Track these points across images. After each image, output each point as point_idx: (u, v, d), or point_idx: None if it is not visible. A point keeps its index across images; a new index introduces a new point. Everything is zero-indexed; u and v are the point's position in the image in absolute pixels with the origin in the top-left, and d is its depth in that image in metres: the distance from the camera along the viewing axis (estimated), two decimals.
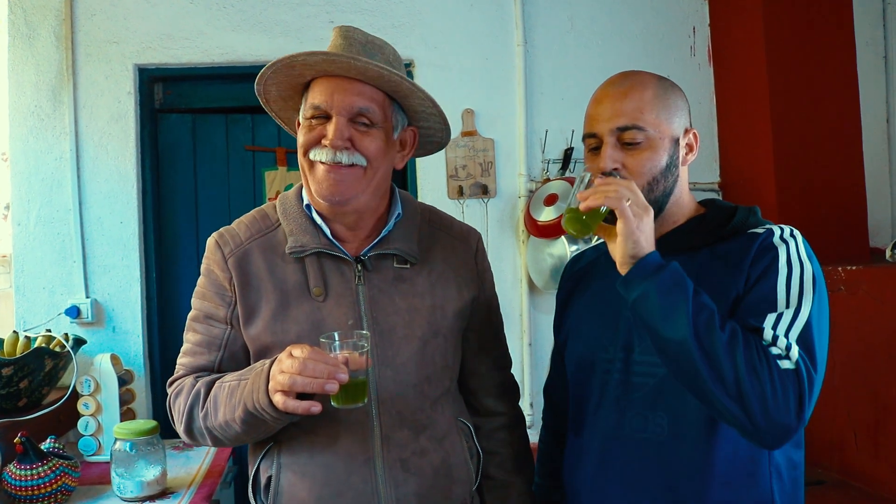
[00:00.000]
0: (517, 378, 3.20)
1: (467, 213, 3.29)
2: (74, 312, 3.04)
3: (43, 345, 2.55)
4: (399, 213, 1.53)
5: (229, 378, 1.40)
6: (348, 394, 1.25)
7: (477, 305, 1.60)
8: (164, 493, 2.20)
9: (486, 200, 3.31)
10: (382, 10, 3.29)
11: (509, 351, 1.75)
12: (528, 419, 3.24)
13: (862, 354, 2.48)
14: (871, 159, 3.30)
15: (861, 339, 2.49)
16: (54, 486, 2.07)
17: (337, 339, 1.26)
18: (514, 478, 1.64)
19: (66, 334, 2.71)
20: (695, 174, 3.37)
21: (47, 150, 3.11)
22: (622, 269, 1.26)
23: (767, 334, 1.20)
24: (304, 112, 1.44)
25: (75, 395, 2.61)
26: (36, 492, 2.04)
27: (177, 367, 1.52)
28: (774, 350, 1.18)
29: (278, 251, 1.47)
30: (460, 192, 3.28)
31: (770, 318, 1.22)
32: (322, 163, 1.40)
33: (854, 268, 2.57)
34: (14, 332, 2.62)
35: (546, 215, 3.10)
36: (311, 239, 1.46)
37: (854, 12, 3.25)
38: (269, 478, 1.45)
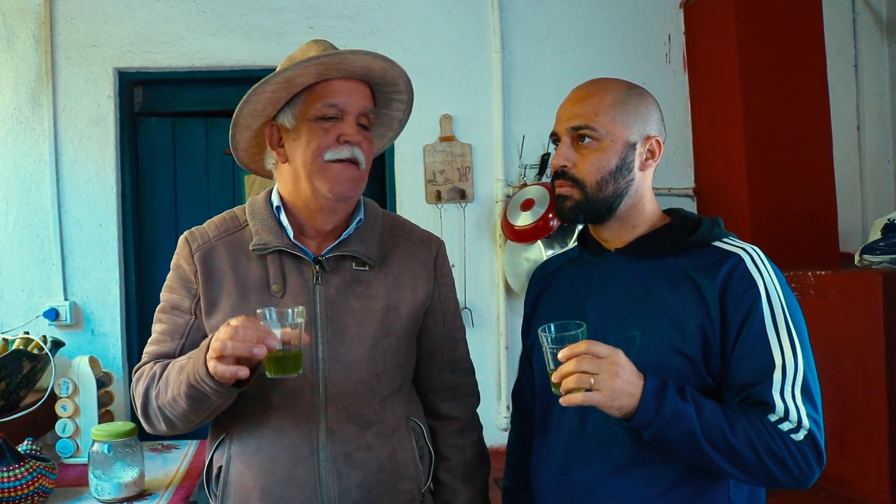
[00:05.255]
0: (493, 381, 3.31)
1: (445, 217, 3.32)
2: (53, 315, 3.04)
3: (21, 347, 2.55)
4: (361, 219, 1.59)
5: (181, 358, 1.46)
6: (280, 364, 1.31)
7: (431, 308, 1.64)
8: (141, 495, 2.21)
9: (463, 205, 3.34)
10: (361, 15, 3.31)
11: (470, 357, 1.75)
12: (504, 422, 3.31)
13: (829, 358, 2.53)
14: (841, 166, 3.37)
15: (829, 343, 2.53)
16: (31, 487, 2.07)
17: (273, 310, 1.32)
18: (460, 485, 1.66)
19: (45, 336, 2.71)
20: (669, 180, 3.42)
21: (26, 152, 3.11)
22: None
23: (778, 408, 1.27)
24: (315, 112, 1.47)
25: (53, 398, 2.60)
26: (12, 494, 2.04)
27: (143, 356, 1.57)
28: (786, 426, 1.26)
29: (243, 249, 1.54)
30: (438, 197, 3.31)
31: (776, 383, 1.28)
32: (339, 161, 1.47)
33: (824, 273, 2.62)
34: None
35: (523, 220, 3.13)
36: (274, 238, 1.52)
37: (825, 22, 3.31)
38: (220, 468, 1.53)
